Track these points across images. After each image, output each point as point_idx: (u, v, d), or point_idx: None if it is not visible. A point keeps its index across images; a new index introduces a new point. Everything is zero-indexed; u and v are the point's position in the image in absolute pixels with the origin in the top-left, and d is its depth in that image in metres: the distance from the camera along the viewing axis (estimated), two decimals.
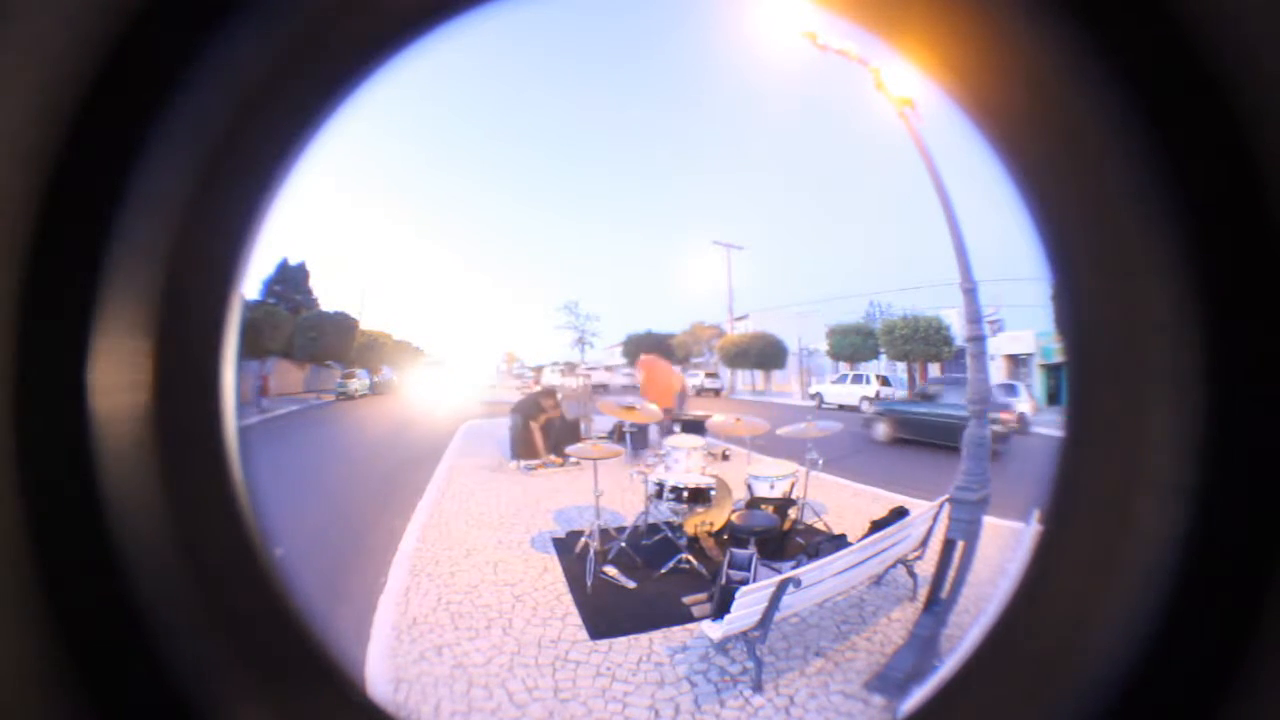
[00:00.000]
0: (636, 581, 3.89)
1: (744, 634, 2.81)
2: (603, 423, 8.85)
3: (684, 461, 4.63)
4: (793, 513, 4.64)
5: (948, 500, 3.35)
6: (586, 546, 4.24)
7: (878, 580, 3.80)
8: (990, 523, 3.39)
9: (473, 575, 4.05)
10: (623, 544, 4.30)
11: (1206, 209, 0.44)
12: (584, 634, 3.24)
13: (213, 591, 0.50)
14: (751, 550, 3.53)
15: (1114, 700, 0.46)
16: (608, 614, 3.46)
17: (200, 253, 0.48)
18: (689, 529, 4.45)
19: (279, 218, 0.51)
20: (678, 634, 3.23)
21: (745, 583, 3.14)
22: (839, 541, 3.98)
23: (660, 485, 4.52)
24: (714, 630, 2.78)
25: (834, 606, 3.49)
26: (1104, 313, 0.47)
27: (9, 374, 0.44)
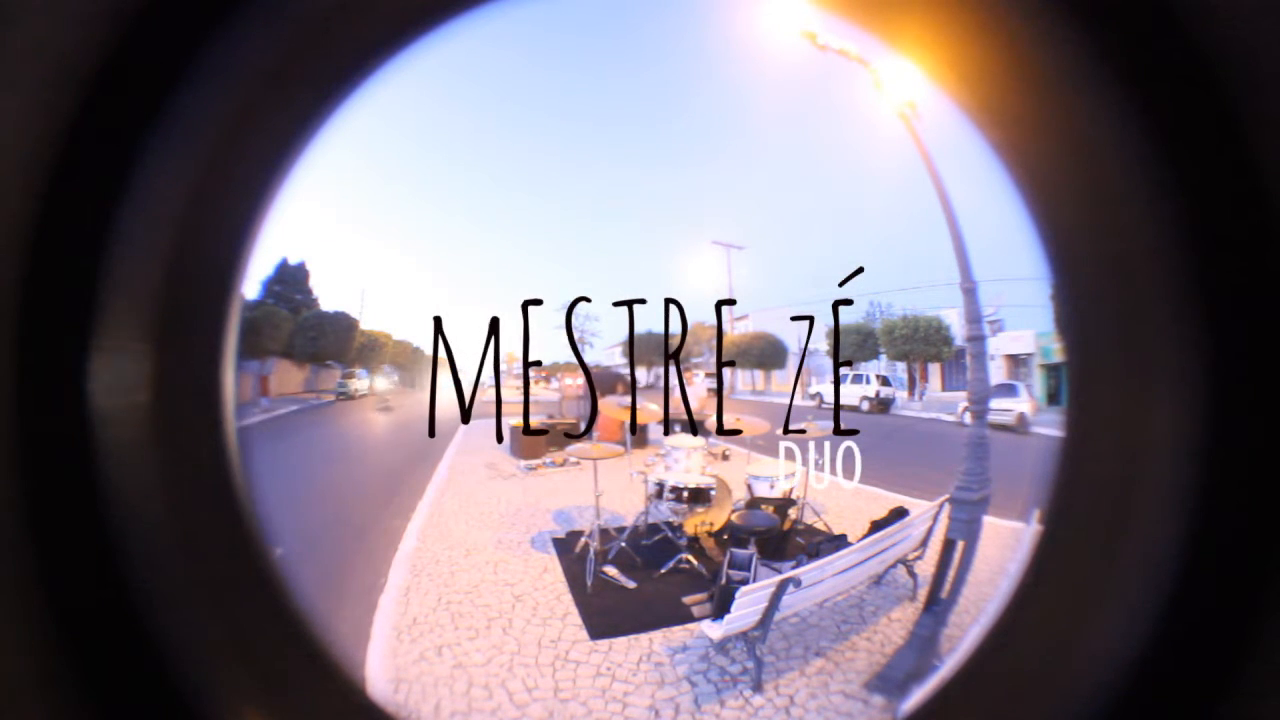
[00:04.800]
0: (636, 581, 3.89)
1: (744, 634, 2.81)
2: None
3: (684, 461, 4.63)
4: (793, 513, 4.64)
5: (948, 500, 3.35)
6: (586, 546, 4.24)
7: (878, 580, 3.80)
8: (990, 523, 3.39)
9: (473, 575, 4.05)
10: (623, 544, 4.30)
11: (1206, 209, 0.44)
12: (584, 634, 3.24)
13: (213, 591, 0.50)
14: (751, 550, 3.53)
15: (1114, 700, 0.46)
16: (608, 614, 3.45)
17: (200, 253, 0.48)
18: (689, 529, 4.45)
19: (279, 218, 0.51)
20: (678, 634, 3.22)
21: (745, 583, 3.15)
22: (839, 541, 3.98)
23: (660, 485, 4.52)
24: (714, 630, 2.78)
25: (834, 606, 3.49)
26: (1104, 313, 0.47)
27: (9, 374, 0.44)
